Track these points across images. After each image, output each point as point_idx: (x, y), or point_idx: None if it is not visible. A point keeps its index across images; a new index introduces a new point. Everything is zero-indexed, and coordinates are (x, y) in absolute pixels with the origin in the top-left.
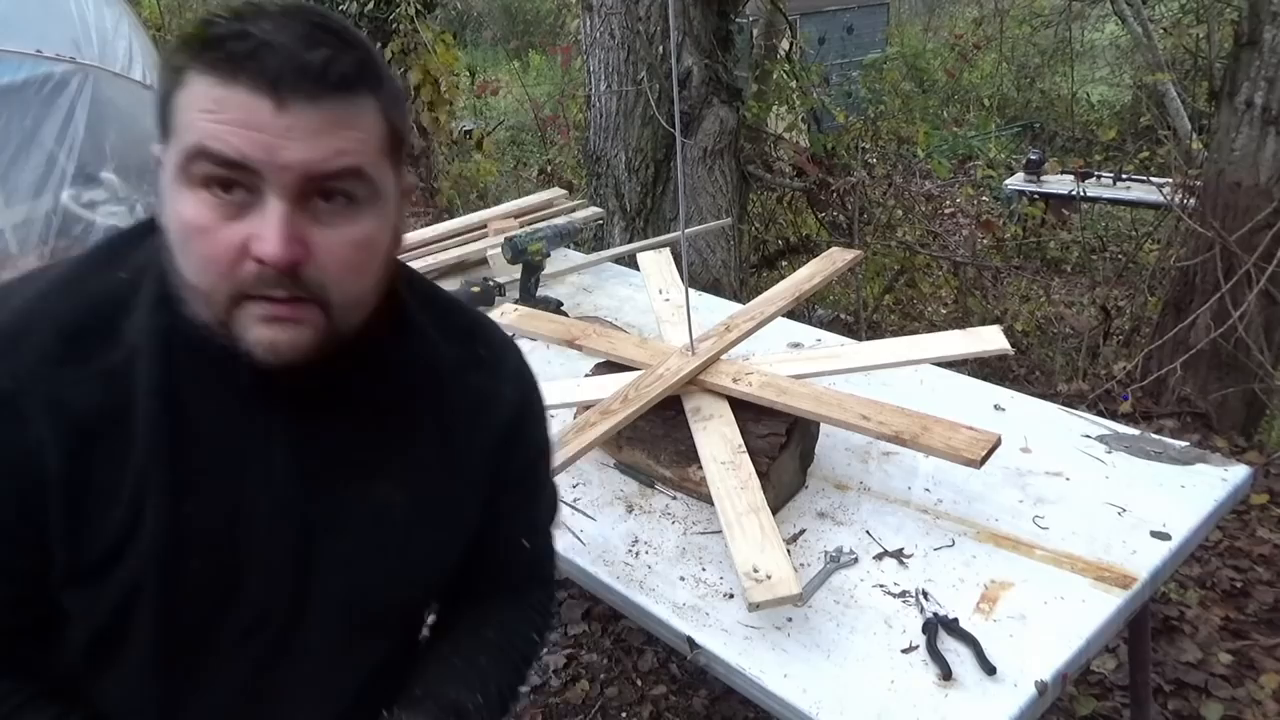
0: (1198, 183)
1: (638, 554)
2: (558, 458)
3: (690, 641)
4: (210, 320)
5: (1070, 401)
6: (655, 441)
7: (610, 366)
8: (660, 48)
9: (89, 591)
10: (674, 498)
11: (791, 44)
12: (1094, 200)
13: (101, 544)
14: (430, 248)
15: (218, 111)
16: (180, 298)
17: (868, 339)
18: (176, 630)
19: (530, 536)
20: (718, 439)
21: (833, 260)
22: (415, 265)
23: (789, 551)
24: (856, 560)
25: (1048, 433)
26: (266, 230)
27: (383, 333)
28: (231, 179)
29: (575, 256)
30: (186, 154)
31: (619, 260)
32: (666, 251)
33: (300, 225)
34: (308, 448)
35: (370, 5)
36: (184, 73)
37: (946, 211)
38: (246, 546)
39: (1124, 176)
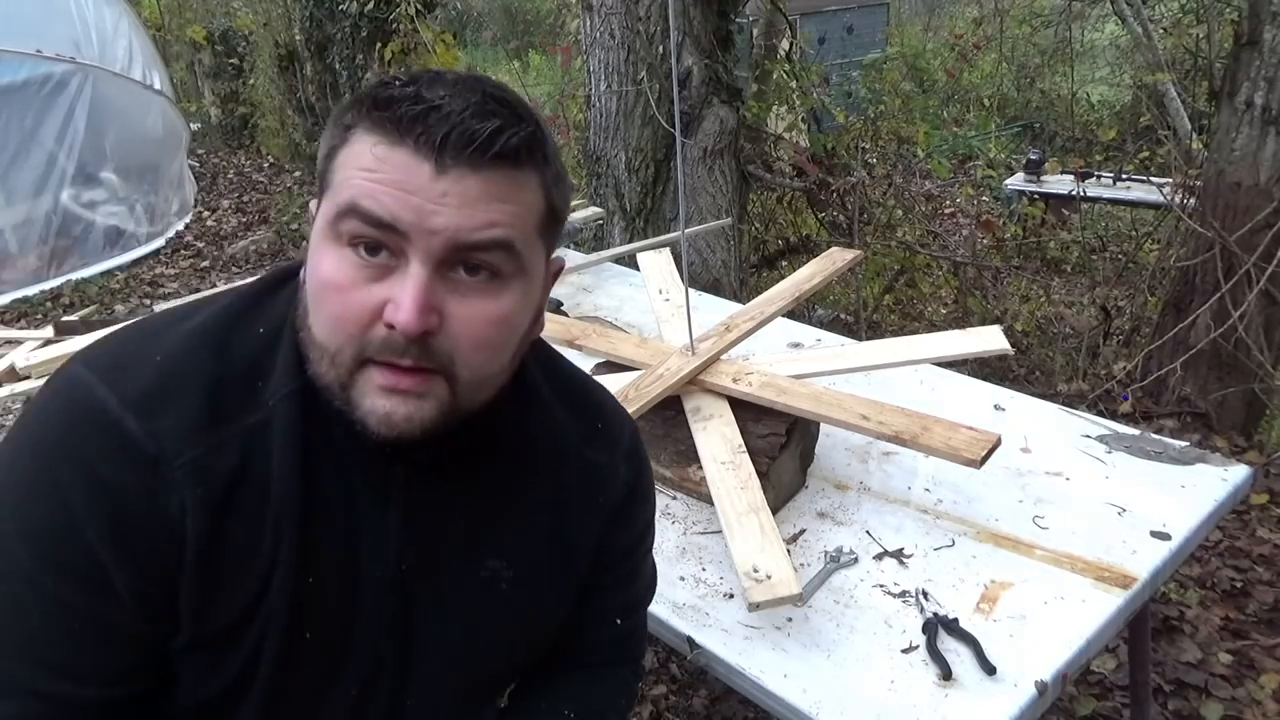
0: (1198, 183)
1: None
2: None
3: (690, 641)
4: (333, 382)
5: (1070, 401)
6: (655, 441)
7: (610, 366)
8: (660, 48)
9: (207, 659)
10: (674, 498)
11: (791, 44)
12: (1094, 200)
13: (229, 613)
14: None
15: (376, 171)
16: (308, 356)
17: (868, 339)
18: (285, 700)
19: (624, 615)
20: (718, 439)
21: (833, 260)
22: None
23: (789, 551)
24: (856, 560)
25: (1048, 433)
26: (403, 296)
27: (507, 404)
28: (379, 241)
29: (575, 256)
30: (339, 210)
31: (619, 260)
32: (666, 251)
33: (438, 294)
34: (421, 518)
35: (370, 5)
36: (351, 131)
37: (946, 211)
38: (358, 618)
39: (1124, 176)
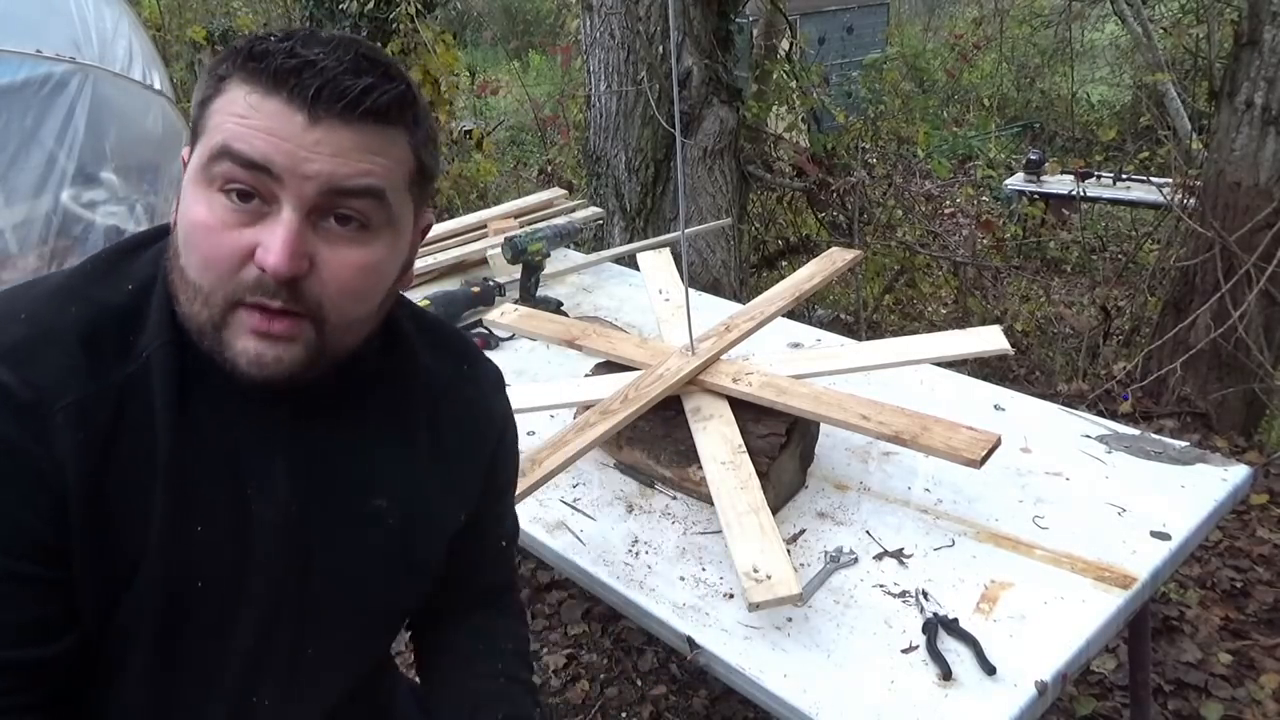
0: (1198, 183)
1: (638, 554)
2: (558, 457)
3: (690, 641)
4: (205, 323)
5: (1070, 401)
6: (655, 441)
7: (610, 366)
8: (660, 48)
9: (99, 607)
10: (674, 498)
11: (791, 44)
12: (1094, 200)
13: (117, 563)
14: (430, 248)
15: (249, 118)
16: (178, 299)
17: (868, 339)
18: (178, 650)
19: (509, 540)
20: (718, 439)
21: (833, 260)
22: (416, 265)
23: (789, 551)
24: (856, 560)
25: (1048, 433)
26: (273, 239)
27: (379, 350)
28: (251, 186)
29: (575, 256)
30: (211, 153)
31: (619, 260)
32: (666, 251)
33: (309, 241)
34: (305, 461)
35: (370, 5)
36: (225, 81)
37: (946, 211)
38: (250, 563)
39: (1124, 176)
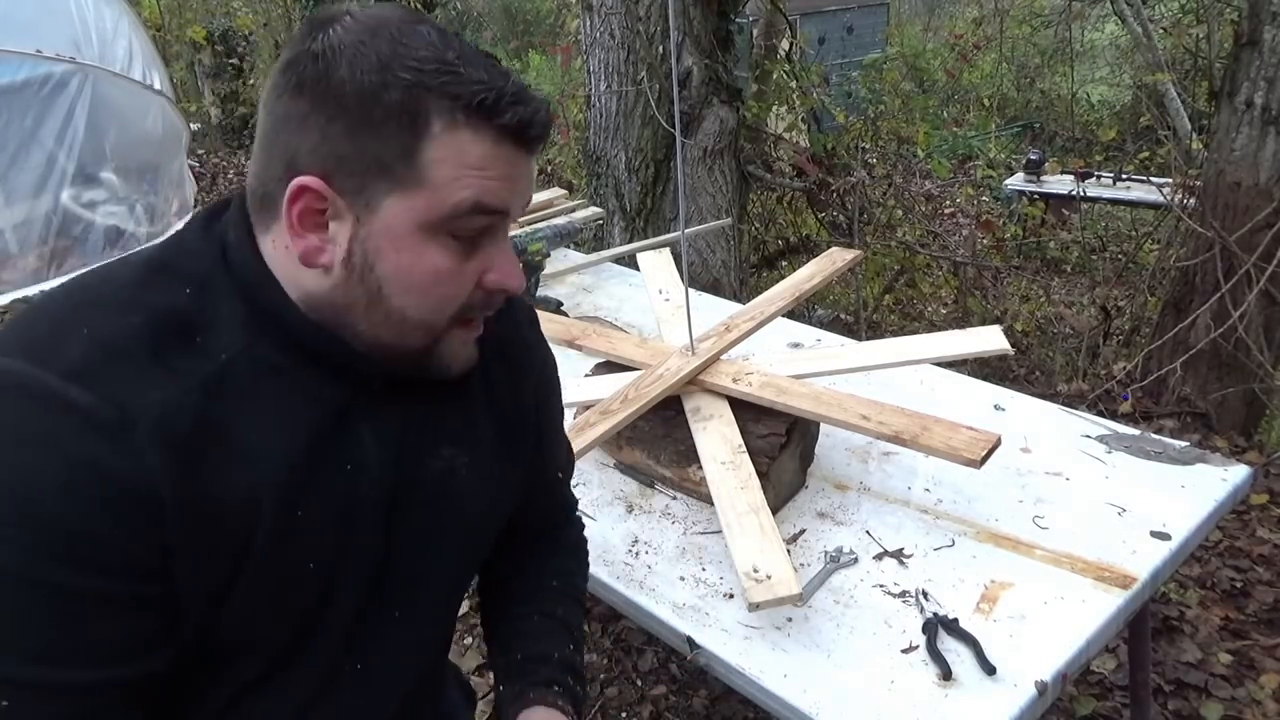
0: (1198, 183)
1: (638, 554)
2: None
3: (690, 641)
4: (416, 345)
5: (1070, 401)
6: (655, 441)
7: (610, 366)
8: (660, 48)
9: (207, 609)
10: (674, 498)
11: (791, 44)
12: (1094, 200)
13: (221, 562)
14: None
15: (489, 169)
16: (384, 333)
17: (868, 339)
18: (286, 623)
19: (566, 470)
20: (718, 439)
21: (833, 260)
22: None
23: (789, 551)
24: (856, 560)
25: (1048, 433)
26: (506, 265)
27: None
28: (487, 225)
29: (575, 256)
30: (457, 209)
31: (619, 260)
32: (666, 251)
33: None
34: (387, 430)
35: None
36: (431, 123)
37: (946, 211)
38: (350, 531)
39: (1124, 176)
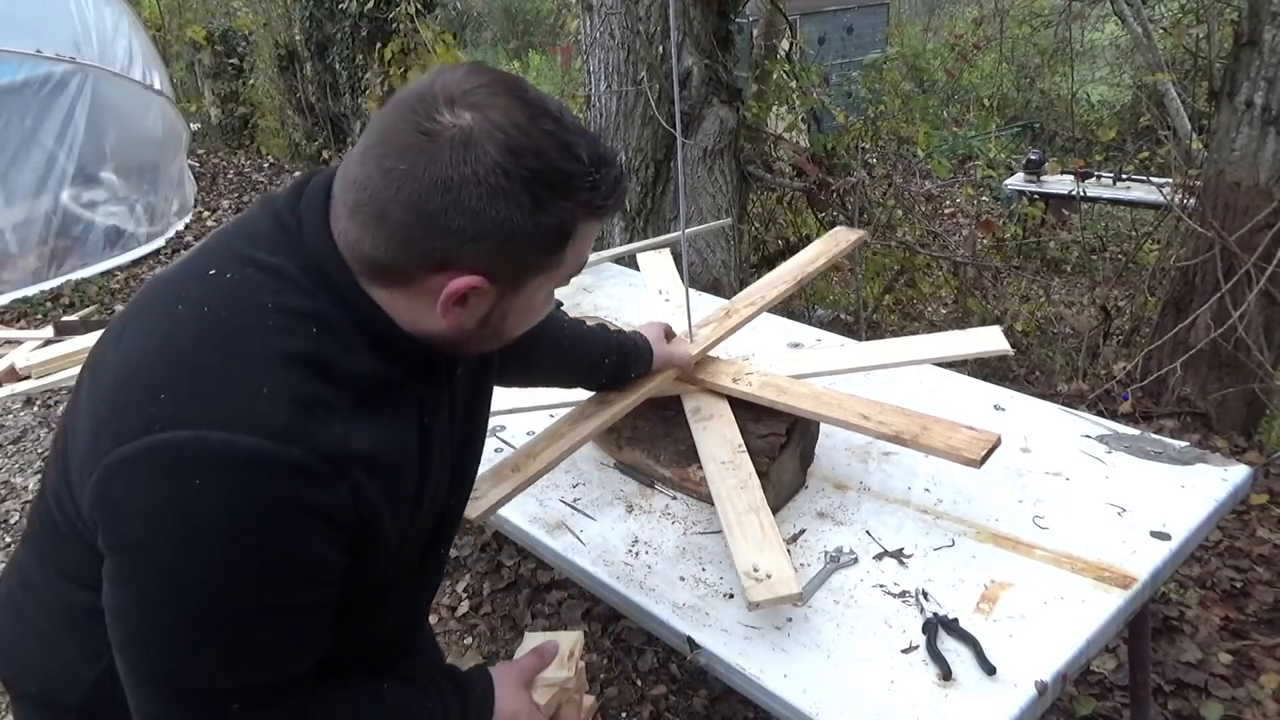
0: (1198, 183)
1: (638, 554)
2: (554, 450)
3: (690, 641)
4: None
5: (1070, 401)
6: (655, 441)
7: None
8: (660, 48)
9: (373, 574)
10: (674, 498)
11: (791, 44)
12: (1094, 200)
13: (385, 538)
14: None
15: (588, 239)
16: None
17: (868, 339)
18: (419, 550)
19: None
20: (718, 439)
21: (837, 240)
22: None
23: (789, 551)
24: (856, 560)
25: (1048, 433)
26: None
27: None
28: None
29: None
30: (572, 273)
31: (619, 260)
32: (666, 251)
33: None
34: (442, 401)
35: (370, 5)
36: (575, 224)
37: (946, 211)
38: (444, 475)
39: (1124, 176)
